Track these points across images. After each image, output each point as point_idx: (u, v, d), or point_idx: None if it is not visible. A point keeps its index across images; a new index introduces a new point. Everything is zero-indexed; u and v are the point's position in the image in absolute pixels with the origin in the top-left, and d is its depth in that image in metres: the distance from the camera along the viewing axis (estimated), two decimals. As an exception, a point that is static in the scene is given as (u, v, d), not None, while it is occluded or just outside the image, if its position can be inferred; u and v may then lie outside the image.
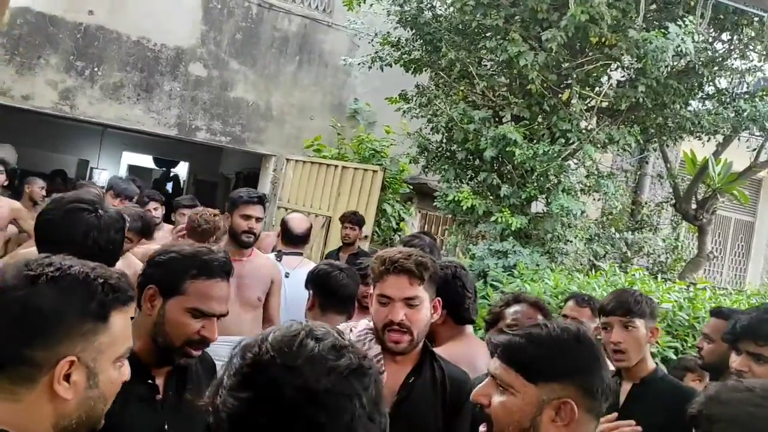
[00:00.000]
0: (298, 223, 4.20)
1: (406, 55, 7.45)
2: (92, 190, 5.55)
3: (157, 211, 6.00)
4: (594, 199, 7.50)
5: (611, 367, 2.35)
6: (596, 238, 7.19)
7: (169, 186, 15.71)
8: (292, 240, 4.10)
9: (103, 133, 13.25)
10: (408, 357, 2.21)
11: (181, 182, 16.12)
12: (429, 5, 7.20)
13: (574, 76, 6.20)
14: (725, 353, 3.22)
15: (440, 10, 7.31)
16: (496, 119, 6.75)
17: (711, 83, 6.95)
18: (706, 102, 7.25)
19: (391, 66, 7.63)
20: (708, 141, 7.38)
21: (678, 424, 2.28)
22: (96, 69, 8.39)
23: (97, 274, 1.30)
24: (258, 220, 3.81)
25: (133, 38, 8.56)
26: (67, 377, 1.23)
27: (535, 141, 6.36)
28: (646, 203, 9.93)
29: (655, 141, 7.70)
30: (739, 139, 7.57)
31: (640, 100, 6.19)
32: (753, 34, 6.46)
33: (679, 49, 5.44)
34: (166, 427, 1.88)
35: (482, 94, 6.74)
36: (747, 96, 7.05)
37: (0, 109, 8.04)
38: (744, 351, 2.64)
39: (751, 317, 2.74)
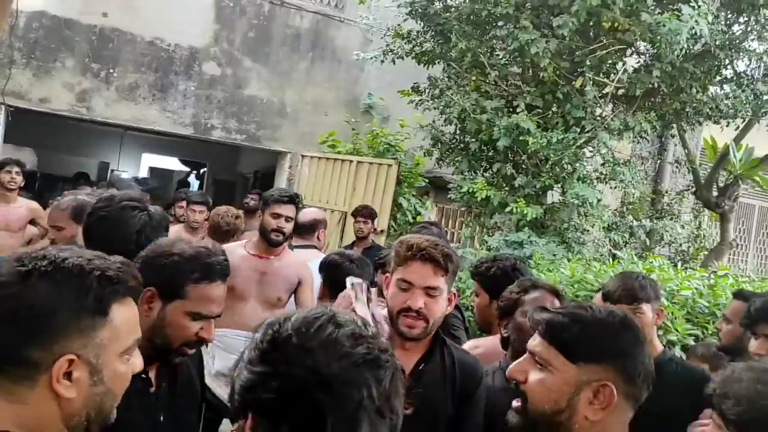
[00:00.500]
0: (302, 213, 4.20)
1: (417, 48, 7.41)
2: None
3: (202, 214, 6.07)
4: (612, 188, 7.39)
5: None
6: (615, 227, 7.08)
7: (195, 186, 15.82)
8: (298, 231, 4.10)
9: (123, 135, 13.38)
10: (419, 344, 2.20)
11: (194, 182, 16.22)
12: (438, -5, 7.16)
13: (587, 62, 6.11)
14: (743, 335, 3.16)
15: (450, 0, 7.26)
16: (509, 109, 6.68)
17: (728, 66, 6.80)
18: (724, 86, 7.10)
19: (402, 59, 7.60)
20: (727, 126, 7.23)
21: (688, 405, 2.25)
22: (111, 70, 8.47)
23: (93, 265, 1.23)
24: (288, 219, 3.83)
25: (147, 39, 8.62)
26: (68, 375, 1.18)
27: (548, 129, 6.28)
28: (666, 191, 9.78)
29: (673, 127, 7.57)
30: (759, 122, 7.41)
31: (656, 85, 6.09)
32: (771, 15, 6.31)
33: (693, 31, 5.33)
34: (161, 419, 1.88)
35: (494, 84, 6.68)
36: (766, 78, 6.90)
37: (19, 112, 8.14)
38: (761, 334, 2.60)
39: (767, 300, 2.68)
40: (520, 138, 6.13)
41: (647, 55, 6.66)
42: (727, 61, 6.49)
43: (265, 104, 9.32)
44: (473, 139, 6.74)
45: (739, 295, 3.44)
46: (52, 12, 8.13)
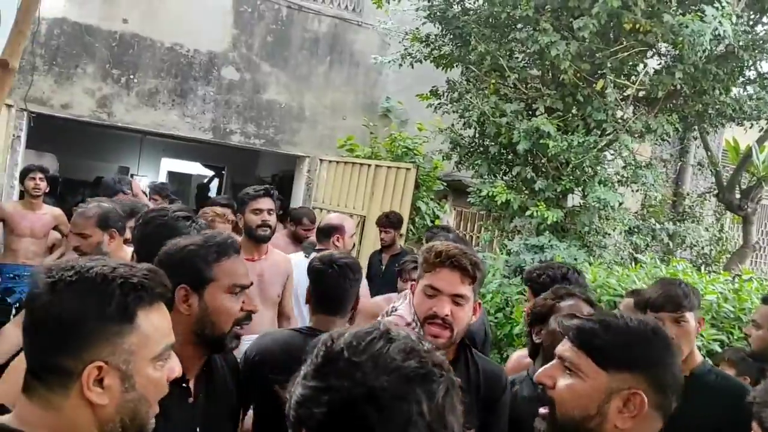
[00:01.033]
0: (324, 220, 4.21)
1: (435, 51, 7.39)
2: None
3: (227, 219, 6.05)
4: (633, 191, 7.32)
5: None
6: (636, 230, 7.00)
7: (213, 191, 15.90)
8: (316, 234, 4.11)
9: (142, 140, 13.50)
10: (444, 353, 2.18)
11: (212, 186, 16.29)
12: (457, -1, 7.13)
13: (609, 64, 6.05)
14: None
15: (469, 3, 7.23)
16: (529, 112, 6.64)
17: (752, 67, 6.71)
18: (747, 87, 7.01)
19: (421, 62, 7.58)
20: (751, 127, 7.13)
21: (728, 417, 2.20)
22: (132, 76, 8.53)
23: (116, 274, 1.25)
24: (270, 212, 3.84)
25: (167, 44, 8.68)
26: (100, 382, 1.21)
27: (569, 132, 6.23)
28: (688, 194, 9.68)
29: (695, 129, 7.48)
30: (783, 124, 7.31)
31: (678, 87, 6.01)
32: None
33: (716, 32, 5.26)
34: (198, 429, 1.89)
35: (514, 87, 6.64)
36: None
37: (40, 118, 8.23)
38: None
39: None
40: (540, 141, 6.08)
41: (668, 56, 6.58)
42: (750, 62, 6.40)
43: (284, 108, 9.35)
44: (493, 143, 6.70)
45: (768, 299, 3.38)
46: (73, 19, 8.21)
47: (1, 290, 5.48)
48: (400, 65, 7.83)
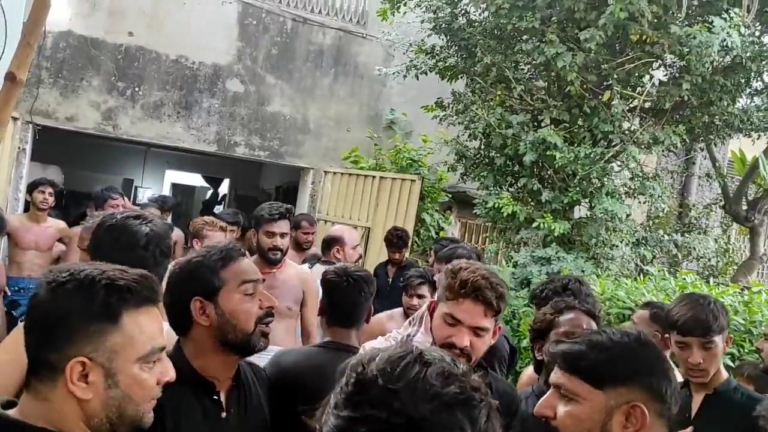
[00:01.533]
0: (329, 230, 4.18)
1: (441, 62, 7.39)
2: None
3: (233, 233, 6.00)
4: (640, 202, 7.28)
5: (679, 378, 2.23)
6: (644, 241, 6.96)
7: (219, 208, 15.89)
8: (321, 246, 4.09)
9: (146, 152, 13.51)
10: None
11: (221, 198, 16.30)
12: (463, 11, 7.13)
13: (615, 76, 6.03)
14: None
15: (474, 15, 7.24)
16: (535, 123, 6.62)
17: (759, 78, 6.69)
18: (755, 98, 6.99)
19: (426, 74, 7.58)
20: (758, 138, 7.11)
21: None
22: (137, 89, 8.54)
23: (104, 276, 1.32)
24: (283, 235, 3.82)
25: (172, 57, 8.70)
26: (85, 378, 1.28)
27: (575, 144, 6.21)
28: (694, 205, 9.64)
29: (702, 140, 7.45)
30: (790, 135, 7.28)
31: (685, 98, 5.99)
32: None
33: (725, 43, 5.25)
34: None
35: (520, 98, 6.63)
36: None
37: (46, 131, 8.23)
38: None
39: None
40: (547, 153, 6.06)
41: (675, 67, 6.57)
42: (757, 73, 6.38)
43: (288, 120, 9.35)
44: (498, 154, 6.68)
45: (780, 313, 3.34)
46: (78, 32, 8.23)
47: (6, 303, 5.45)
48: (405, 77, 7.83)
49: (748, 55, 5.76)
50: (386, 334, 3.34)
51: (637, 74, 6.27)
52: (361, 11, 9.76)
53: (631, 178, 6.54)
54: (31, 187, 5.98)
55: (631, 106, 6.31)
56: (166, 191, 15.52)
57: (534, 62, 6.25)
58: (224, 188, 16.25)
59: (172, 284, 1.89)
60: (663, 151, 6.57)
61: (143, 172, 14.67)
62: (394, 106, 9.76)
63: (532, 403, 2.35)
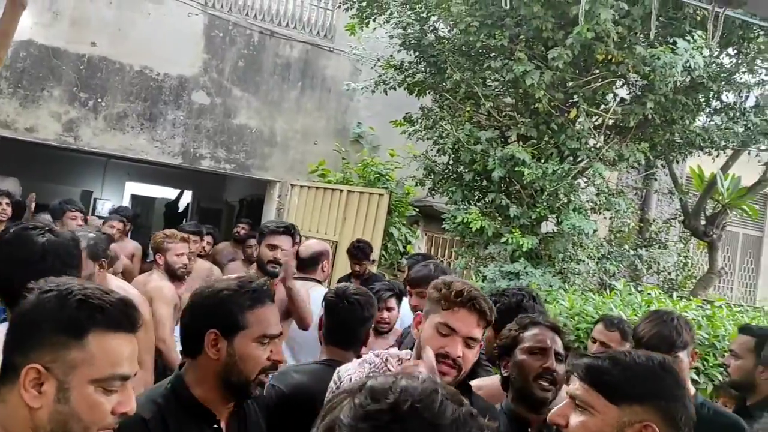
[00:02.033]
0: (303, 247, 4.15)
1: (409, 78, 7.43)
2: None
3: (196, 244, 5.94)
4: (605, 217, 7.42)
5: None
6: (609, 256, 7.09)
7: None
8: (303, 265, 4.04)
9: (106, 163, 13.24)
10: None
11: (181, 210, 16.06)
12: (432, 27, 7.19)
13: (581, 93, 6.16)
14: (753, 370, 3.14)
15: (443, 32, 7.31)
16: (502, 139, 6.71)
17: (718, 98, 6.91)
18: (714, 117, 7.21)
19: (395, 89, 7.61)
20: (717, 156, 7.32)
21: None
22: (99, 100, 8.38)
23: (81, 292, 1.32)
24: (284, 250, 3.85)
25: (136, 68, 8.57)
26: (40, 386, 1.27)
27: (543, 160, 6.30)
28: (654, 220, 9.85)
29: (663, 157, 7.64)
30: (749, 153, 7.52)
31: (649, 116, 6.14)
32: (762, 47, 6.43)
33: (687, 64, 5.41)
34: None
35: (488, 115, 6.70)
36: (755, 110, 7.02)
37: (4, 141, 8.01)
38: None
39: None
40: (516, 169, 6.14)
41: (637, 86, 6.73)
42: (717, 93, 6.58)
43: (255, 133, 9.28)
44: (467, 170, 6.73)
45: (746, 329, 3.42)
46: (39, 41, 8.05)
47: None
48: (373, 92, 7.85)
49: (708, 75, 5.94)
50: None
51: (601, 92, 6.41)
52: (328, 25, 9.77)
53: (597, 194, 6.66)
54: None
55: (597, 123, 6.43)
56: (126, 203, 15.24)
57: (503, 79, 6.33)
58: (186, 200, 16.02)
59: (195, 307, 1.88)
60: (627, 168, 6.71)
61: (103, 184, 14.38)
62: (361, 120, 9.78)
63: (502, 422, 2.36)
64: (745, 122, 6.77)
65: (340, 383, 2.14)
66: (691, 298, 6.52)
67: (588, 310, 5.20)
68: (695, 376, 4.45)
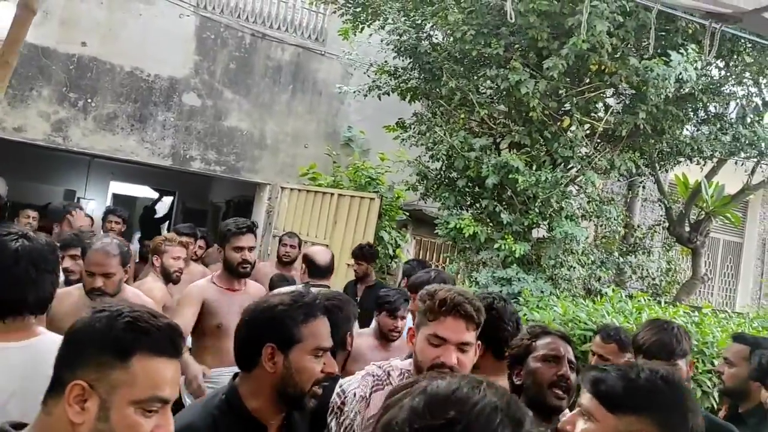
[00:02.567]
0: (322, 255, 4.17)
1: (403, 84, 7.47)
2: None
3: (190, 246, 5.90)
4: (596, 225, 7.53)
5: None
6: (599, 263, 7.20)
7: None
8: (319, 272, 4.06)
9: (90, 163, 13.11)
10: None
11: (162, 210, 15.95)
12: (427, 35, 7.24)
13: (575, 102, 6.25)
14: (747, 378, 3.22)
15: (436, 39, 7.36)
16: (495, 146, 6.78)
17: (705, 109, 7.05)
18: (702, 127, 7.35)
19: (388, 95, 7.65)
20: (704, 165, 7.46)
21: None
22: (89, 100, 8.32)
23: (131, 314, 1.37)
24: (251, 249, 3.86)
25: (127, 69, 8.52)
26: (83, 402, 1.31)
27: (535, 168, 6.38)
28: (638, 227, 10.00)
29: (650, 166, 7.77)
30: (736, 163, 7.67)
31: (640, 126, 6.25)
32: (749, 62, 6.59)
33: (680, 76, 5.52)
34: None
35: (481, 122, 6.77)
36: (741, 120, 7.17)
37: (-9, 141, 7.93)
38: None
39: None
40: (509, 176, 6.21)
41: (627, 95, 6.84)
42: (706, 104, 6.72)
43: (245, 135, 9.27)
44: (460, 176, 6.79)
45: (739, 338, 3.49)
46: (29, 40, 7.89)
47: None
48: (365, 96, 7.89)
49: (700, 87, 6.06)
50: (359, 359, 3.35)
51: (594, 101, 6.50)
52: (320, 29, 9.79)
53: (589, 202, 6.75)
54: None
55: (588, 132, 6.53)
56: (108, 202, 15.12)
57: (497, 87, 6.40)
58: (168, 203, 15.88)
59: (250, 322, 1.92)
60: (618, 176, 6.82)
61: (86, 183, 14.23)
62: (351, 124, 9.80)
63: None
64: (733, 132, 6.92)
65: (345, 397, 2.14)
66: (677, 304, 6.64)
67: (581, 317, 5.27)
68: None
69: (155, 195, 15.70)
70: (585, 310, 5.42)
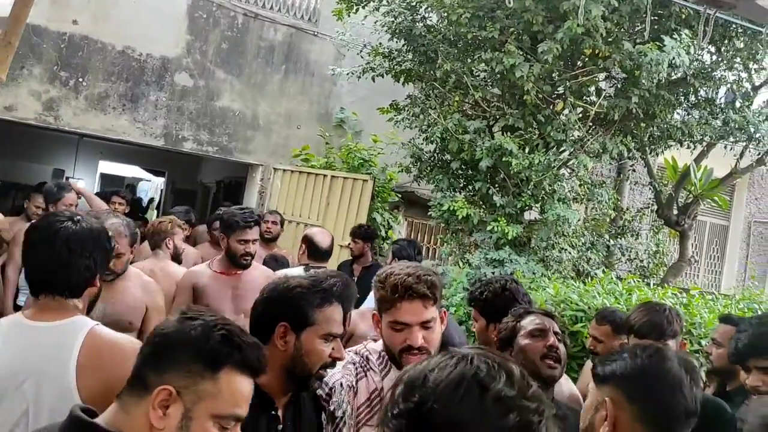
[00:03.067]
0: (322, 237, 4.21)
1: (397, 66, 7.48)
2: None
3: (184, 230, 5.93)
4: (587, 208, 7.61)
5: None
6: (590, 245, 7.30)
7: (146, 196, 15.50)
8: (320, 255, 4.09)
9: (78, 142, 13.02)
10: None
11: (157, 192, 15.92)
12: (422, 17, 7.24)
13: (568, 86, 6.29)
14: (731, 359, 3.30)
15: (431, 21, 7.36)
16: (489, 129, 6.82)
17: (696, 93, 7.12)
18: (693, 111, 7.42)
19: (382, 77, 7.66)
20: (694, 149, 7.55)
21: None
22: (80, 79, 8.26)
23: (225, 328, 1.38)
24: (254, 242, 3.92)
25: (118, 48, 8.45)
26: (166, 408, 1.31)
27: (528, 151, 6.44)
28: (627, 209, 10.11)
29: (641, 149, 7.85)
30: (725, 146, 7.77)
31: (633, 110, 6.31)
32: (740, 47, 6.66)
33: (673, 61, 5.58)
34: None
35: (475, 105, 6.80)
36: (732, 105, 7.26)
37: (-19, 120, 7.86)
38: (753, 367, 2.71)
39: (751, 334, 2.79)
40: (503, 159, 6.26)
41: (619, 80, 6.89)
42: (697, 88, 6.78)
43: (238, 116, 9.25)
44: (454, 158, 6.84)
45: (726, 319, 3.57)
46: (19, 18, 7.87)
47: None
48: (359, 77, 7.89)
49: (692, 72, 6.12)
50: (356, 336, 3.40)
51: (587, 85, 6.55)
52: (312, 9, 9.74)
53: (581, 185, 6.83)
54: None
55: (581, 115, 6.59)
56: (97, 182, 15.05)
57: (491, 70, 6.43)
58: (158, 183, 15.83)
59: (268, 299, 1.97)
60: (610, 159, 6.89)
61: (75, 162, 14.13)
62: (344, 105, 9.80)
63: None
64: (723, 117, 7.01)
65: (328, 389, 2.15)
66: (665, 285, 6.76)
67: (572, 298, 5.37)
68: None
69: (144, 174, 15.67)
70: (576, 291, 5.52)
